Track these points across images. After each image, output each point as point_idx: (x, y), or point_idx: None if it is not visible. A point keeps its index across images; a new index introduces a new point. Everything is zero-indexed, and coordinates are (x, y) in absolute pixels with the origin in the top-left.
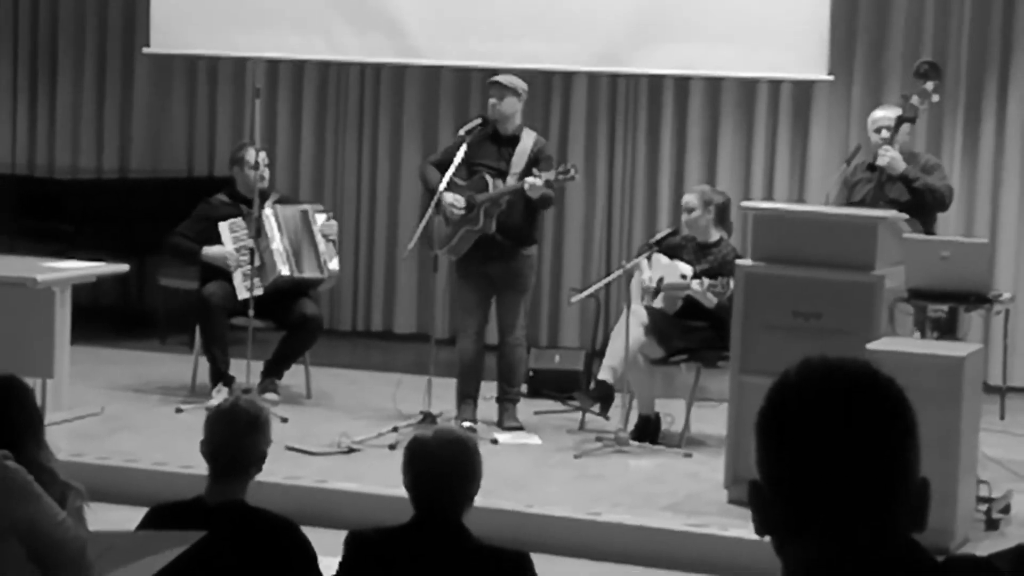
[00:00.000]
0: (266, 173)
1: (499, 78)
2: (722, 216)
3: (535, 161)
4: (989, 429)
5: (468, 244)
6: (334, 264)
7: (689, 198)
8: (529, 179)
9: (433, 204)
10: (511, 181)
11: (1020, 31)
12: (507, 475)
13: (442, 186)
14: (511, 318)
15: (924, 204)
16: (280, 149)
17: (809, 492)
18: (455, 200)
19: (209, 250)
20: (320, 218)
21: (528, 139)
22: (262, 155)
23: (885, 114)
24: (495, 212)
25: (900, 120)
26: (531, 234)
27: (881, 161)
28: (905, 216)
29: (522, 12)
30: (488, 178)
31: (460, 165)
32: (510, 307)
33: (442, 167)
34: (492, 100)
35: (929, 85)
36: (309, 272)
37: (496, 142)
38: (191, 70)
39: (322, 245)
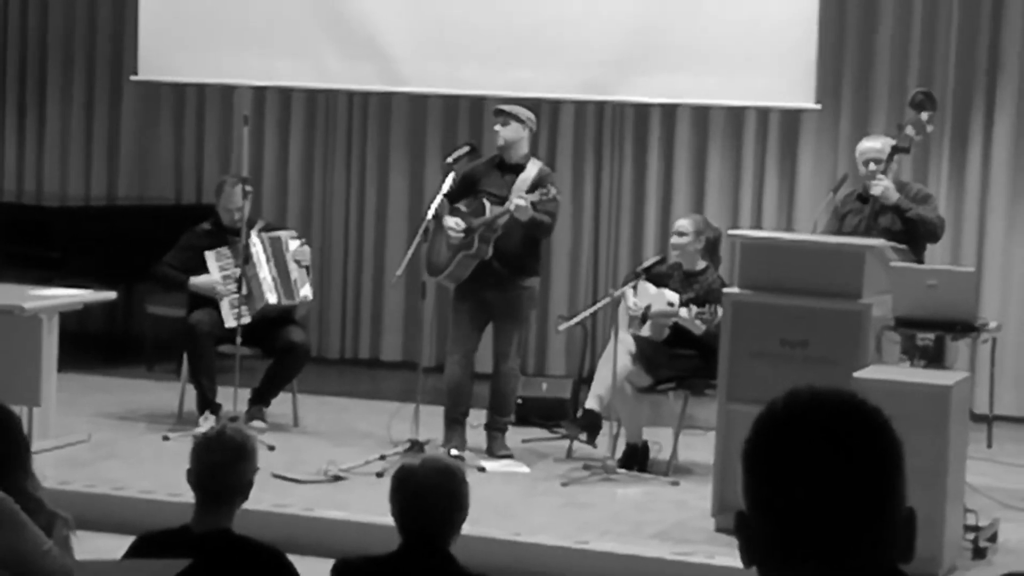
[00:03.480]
0: (246, 206)
1: (503, 106)
2: (712, 249)
3: (535, 189)
4: (976, 457)
5: (467, 270)
6: (306, 290)
7: (684, 223)
8: (516, 201)
9: (421, 231)
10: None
11: (1006, 60)
12: (495, 503)
13: (430, 214)
14: (505, 347)
15: (916, 234)
16: (267, 176)
17: (796, 522)
18: (456, 224)
19: (197, 279)
20: (293, 244)
21: (533, 168)
22: (240, 189)
23: (873, 145)
24: (490, 237)
25: (895, 150)
26: (531, 265)
27: (875, 190)
28: (896, 245)
29: (510, 40)
30: (486, 203)
31: (469, 193)
32: (505, 336)
33: (452, 197)
34: (496, 127)
35: (924, 115)
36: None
37: (502, 170)
38: (179, 97)
39: (295, 272)
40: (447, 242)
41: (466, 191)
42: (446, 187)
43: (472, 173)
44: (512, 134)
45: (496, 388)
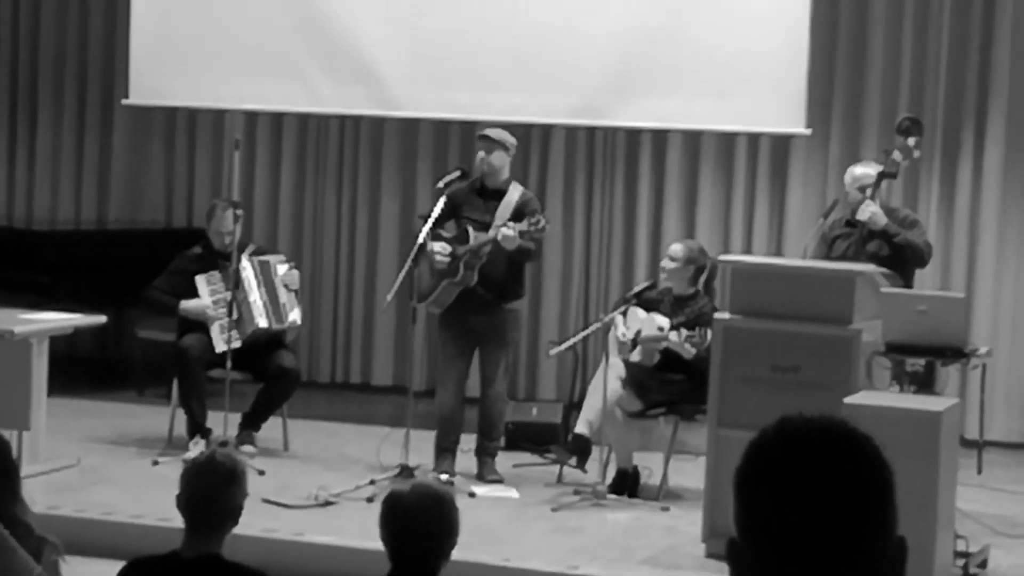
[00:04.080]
0: (237, 230)
1: (488, 132)
2: (708, 281)
3: (519, 214)
4: (966, 483)
5: (451, 297)
6: (295, 315)
7: (677, 248)
8: (503, 230)
9: (411, 257)
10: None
11: (996, 85)
12: (484, 528)
13: (420, 239)
14: (492, 371)
15: (903, 259)
16: (259, 200)
17: (786, 549)
18: (442, 248)
19: (187, 303)
20: (281, 268)
21: (515, 193)
22: (231, 213)
23: (867, 171)
24: (476, 264)
25: (882, 176)
26: (515, 288)
27: (862, 215)
28: (885, 271)
29: (501, 65)
30: (470, 231)
31: (449, 217)
32: (492, 361)
33: (436, 222)
34: (481, 154)
35: (911, 141)
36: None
37: (482, 195)
38: (170, 121)
39: (283, 296)
40: (431, 268)
41: (446, 215)
42: (436, 212)
43: (453, 197)
44: (497, 161)
45: (484, 413)
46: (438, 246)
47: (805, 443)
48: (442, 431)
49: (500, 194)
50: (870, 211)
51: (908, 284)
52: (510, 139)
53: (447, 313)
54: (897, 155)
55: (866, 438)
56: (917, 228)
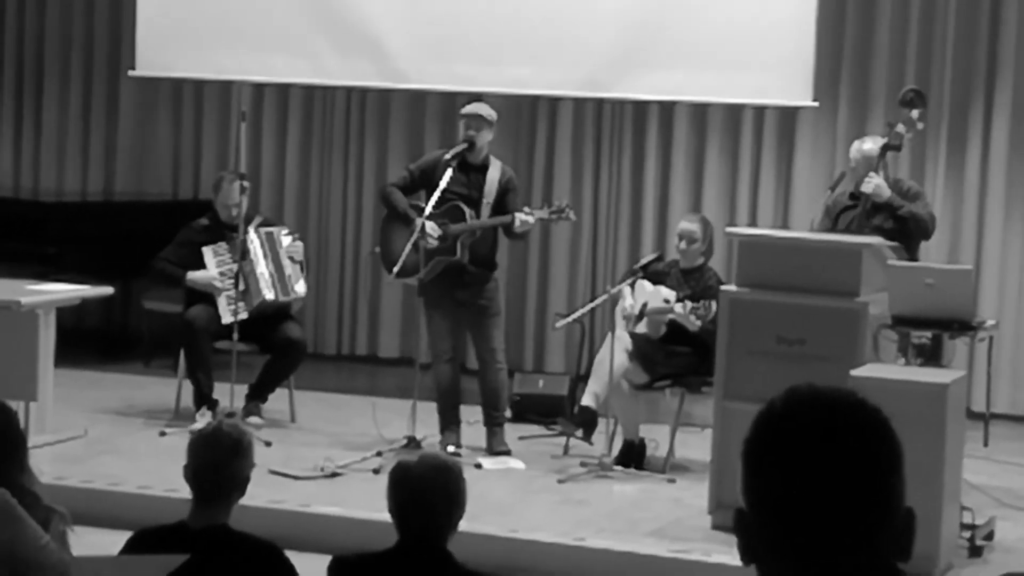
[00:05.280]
0: (244, 202)
1: (479, 110)
2: (709, 241)
3: (505, 191)
4: (973, 456)
5: (436, 271)
6: (300, 286)
7: (692, 228)
8: (520, 216)
9: (419, 231)
10: (485, 211)
11: (1004, 58)
12: (491, 500)
13: (428, 210)
14: (490, 343)
15: (908, 232)
16: (265, 172)
17: (794, 521)
18: (432, 229)
19: (194, 275)
20: (286, 240)
21: (495, 168)
22: (238, 185)
23: (872, 147)
24: (470, 242)
25: (886, 148)
26: (495, 259)
27: (866, 188)
28: (890, 243)
29: (508, 37)
30: (464, 208)
31: (420, 188)
32: (487, 333)
33: (407, 190)
34: (471, 132)
35: (915, 113)
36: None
37: (463, 170)
38: (176, 93)
39: (288, 268)
40: (415, 243)
41: (423, 186)
42: (444, 183)
43: (432, 169)
44: (483, 140)
45: (487, 385)
46: (429, 226)
47: (814, 414)
48: (444, 404)
49: (481, 169)
50: (874, 184)
51: (913, 257)
52: (495, 116)
53: (434, 290)
54: (901, 128)
55: (875, 409)
56: (921, 200)
